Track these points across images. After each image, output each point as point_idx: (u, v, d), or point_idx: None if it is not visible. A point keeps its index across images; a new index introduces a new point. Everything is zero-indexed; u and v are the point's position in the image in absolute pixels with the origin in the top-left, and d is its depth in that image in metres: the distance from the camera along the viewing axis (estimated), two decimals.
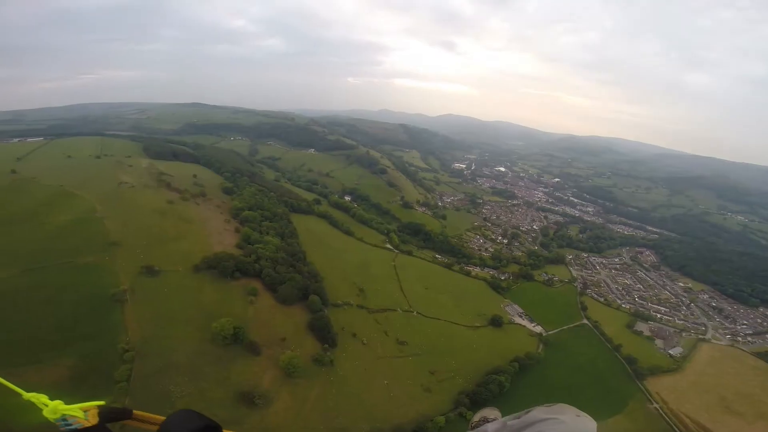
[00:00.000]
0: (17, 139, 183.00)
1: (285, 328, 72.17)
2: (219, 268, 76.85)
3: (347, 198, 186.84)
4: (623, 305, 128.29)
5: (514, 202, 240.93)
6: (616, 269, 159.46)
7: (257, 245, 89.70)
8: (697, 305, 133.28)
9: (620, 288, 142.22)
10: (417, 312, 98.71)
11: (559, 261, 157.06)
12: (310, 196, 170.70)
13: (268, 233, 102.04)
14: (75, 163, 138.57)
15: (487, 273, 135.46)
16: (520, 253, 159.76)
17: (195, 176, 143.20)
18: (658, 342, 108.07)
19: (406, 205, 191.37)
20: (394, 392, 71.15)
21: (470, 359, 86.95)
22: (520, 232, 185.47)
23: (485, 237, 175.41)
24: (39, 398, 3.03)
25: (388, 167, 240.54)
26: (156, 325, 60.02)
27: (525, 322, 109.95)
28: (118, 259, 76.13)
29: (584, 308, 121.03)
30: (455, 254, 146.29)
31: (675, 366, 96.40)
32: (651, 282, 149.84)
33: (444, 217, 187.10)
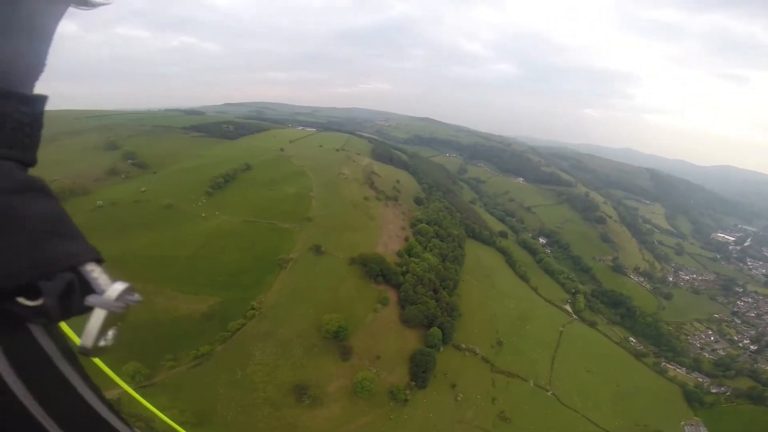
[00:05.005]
0: (300, 128, 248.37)
1: (388, 347, 69.02)
2: (367, 267, 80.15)
3: (541, 240, 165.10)
4: None
5: None
6: None
7: (413, 259, 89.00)
8: None
9: None
10: (553, 393, 78.54)
11: None
12: (498, 227, 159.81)
13: (431, 251, 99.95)
14: (320, 152, 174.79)
15: (693, 378, 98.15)
16: None
17: (398, 181, 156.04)
18: None
19: (617, 269, 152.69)
20: None
21: None
22: None
23: (721, 334, 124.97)
24: None
25: (610, 217, 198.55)
26: (291, 297, 67.82)
27: None
28: (303, 232, 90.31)
29: None
30: (660, 344, 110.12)
31: None
32: None
33: (668, 297, 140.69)
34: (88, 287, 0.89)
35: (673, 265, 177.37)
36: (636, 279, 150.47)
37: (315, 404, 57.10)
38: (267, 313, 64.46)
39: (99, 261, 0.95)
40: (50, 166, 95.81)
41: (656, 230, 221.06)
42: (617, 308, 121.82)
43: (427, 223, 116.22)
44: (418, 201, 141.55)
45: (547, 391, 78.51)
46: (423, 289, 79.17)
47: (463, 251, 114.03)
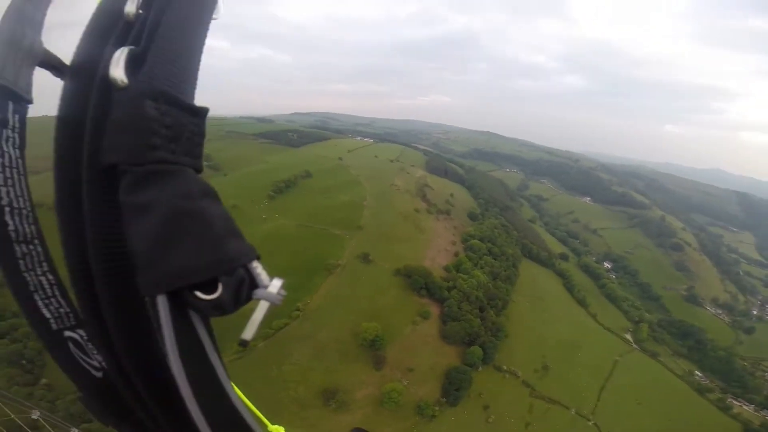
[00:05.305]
0: (359, 138, 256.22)
1: (423, 361, 67.73)
2: (411, 279, 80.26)
3: (606, 265, 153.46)
4: None
5: None
6: None
7: (461, 275, 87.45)
8: None
9: None
10: (594, 423, 72.65)
11: None
12: (558, 248, 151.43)
13: (481, 268, 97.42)
14: (376, 162, 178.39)
15: (761, 416, 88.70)
16: None
17: (452, 195, 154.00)
18: None
19: (691, 299, 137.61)
20: None
21: None
22: None
23: None
24: None
25: (688, 245, 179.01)
26: (335, 302, 69.81)
27: None
28: (353, 240, 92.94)
29: None
30: (730, 380, 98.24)
31: None
32: None
33: (749, 331, 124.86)
34: (253, 282, 0.92)
35: (760, 298, 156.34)
36: (713, 311, 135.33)
37: (340, 409, 57.70)
38: (310, 315, 67.06)
39: (259, 258, 1.00)
40: None
41: (743, 260, 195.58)
42: (685, 340, 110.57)
43: (479, 240, 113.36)
44: (472, 216, 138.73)
45: (589, 420, 73.10)
46: (468, 307, 77.35)
47: (517, 271, 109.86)
